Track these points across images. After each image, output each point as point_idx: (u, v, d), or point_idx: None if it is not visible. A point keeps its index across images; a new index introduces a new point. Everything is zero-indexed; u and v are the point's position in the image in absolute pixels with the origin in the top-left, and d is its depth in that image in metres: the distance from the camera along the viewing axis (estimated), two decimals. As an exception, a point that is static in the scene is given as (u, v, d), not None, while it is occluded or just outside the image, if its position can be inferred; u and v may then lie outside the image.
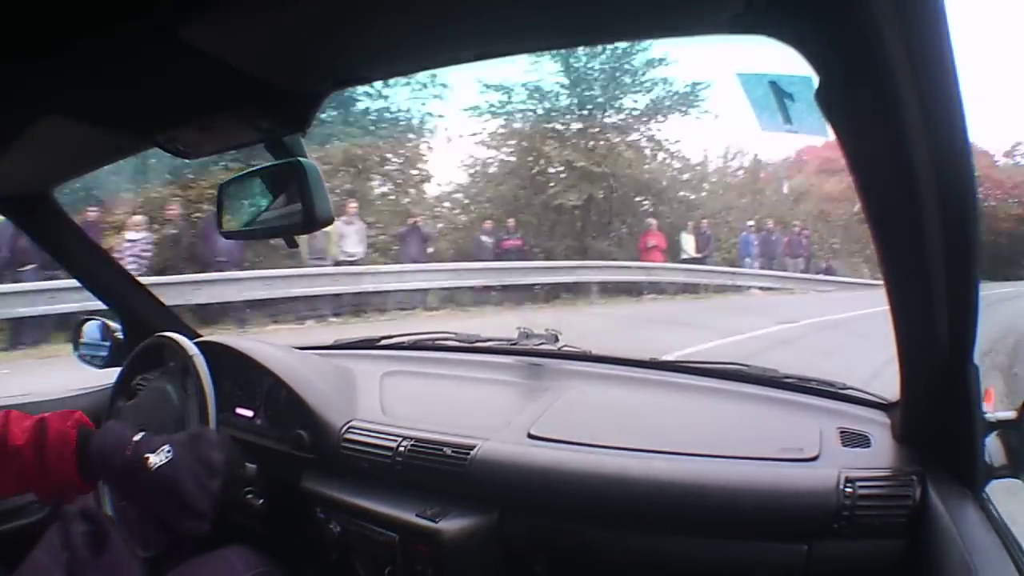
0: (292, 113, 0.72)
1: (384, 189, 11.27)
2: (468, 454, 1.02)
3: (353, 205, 8.35)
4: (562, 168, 12.28)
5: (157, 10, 0.54)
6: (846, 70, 0.48)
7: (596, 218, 12.65)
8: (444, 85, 10.86)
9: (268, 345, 1.41)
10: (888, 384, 0.96)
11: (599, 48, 11.57)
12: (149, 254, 6.75)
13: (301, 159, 0.74)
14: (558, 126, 12.39)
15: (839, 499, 0.84)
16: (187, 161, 0.77)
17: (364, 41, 0.62)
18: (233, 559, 1.11)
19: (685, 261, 11.01)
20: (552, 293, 9.55)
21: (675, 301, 10.11)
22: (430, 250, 9.24)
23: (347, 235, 7.97)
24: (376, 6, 0.55)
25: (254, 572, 1.10)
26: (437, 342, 1.60)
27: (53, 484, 0.87)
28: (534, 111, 12.52)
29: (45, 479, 0.86)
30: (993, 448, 0.83)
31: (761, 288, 11.25)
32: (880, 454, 0.94)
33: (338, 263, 7.86)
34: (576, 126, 12.38)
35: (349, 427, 1.16)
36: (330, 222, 0.74)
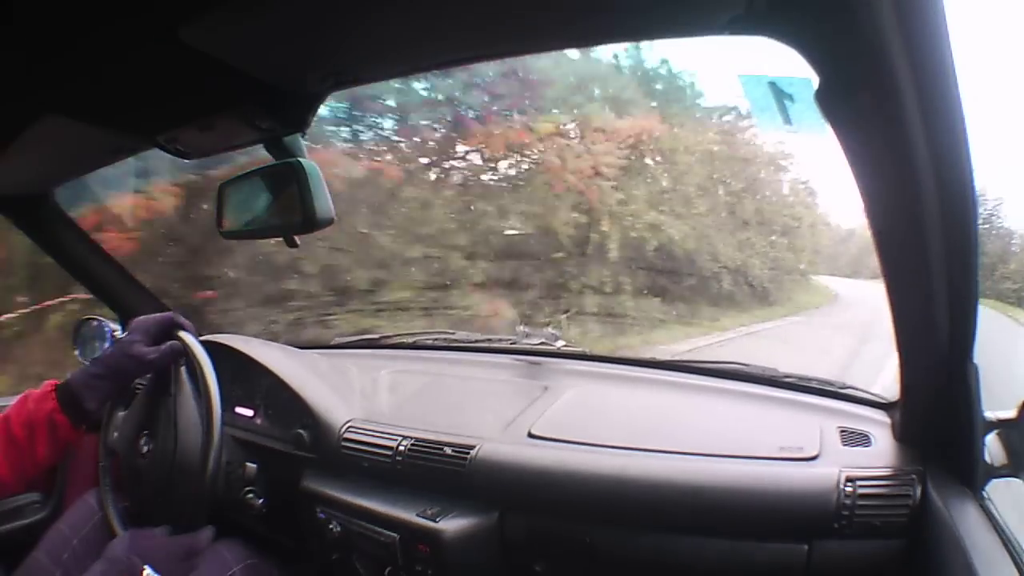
0: (292, 113, 0.72)
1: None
2: (468, 453, 1.02)
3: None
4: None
5: (157, 10, 0.54)
6: (846, 71, 0.48)
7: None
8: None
9: (268, 345, 1.41)
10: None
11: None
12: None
13: (301, 159, 0.74)
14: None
15: (839, 498, 0.84)
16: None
17: (364, 41, 0.62)
18: (223, 551, 1.11)
19: None
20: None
21: None
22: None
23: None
24: (376, 6, 0.55)
25: (244, 564, 1.11)
26: (437, 341, 1.60)
27: (35, 428, 0.91)
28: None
29: (30, 428, 0.90)
30: (993, 447, 0.83)
31: None
32: (880, 453, 0.94)
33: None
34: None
35: (349, 426, 1.16)
36: (330, 222, 0.74)
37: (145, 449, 1.12)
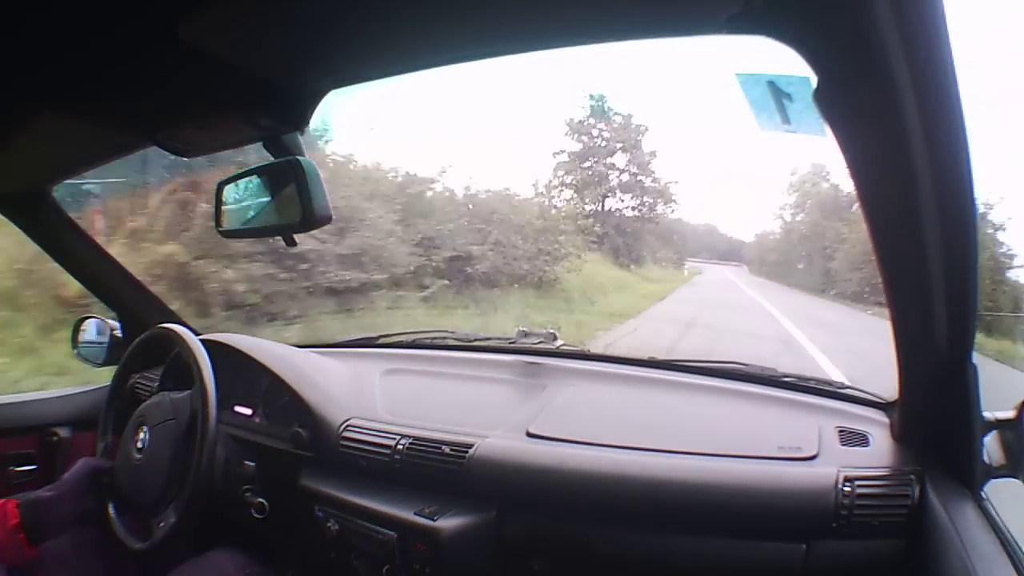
0: (291, 111, 0.72)
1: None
2: (467, 452, 1.02)
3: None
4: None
5: (157, 8, 0.54)
6: (844, 70, 0.48)
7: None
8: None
9: (268, 343, 1.41)
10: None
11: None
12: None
13: (300, 157, 0.74)
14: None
15: (838, 498, 0.84)
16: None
17: (364, 40, 0.62)
18: (223, 561, 1.11)
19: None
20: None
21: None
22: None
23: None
24: (375, 5, 0.55)
25: (244, 573, 1.11)
26: (436, 340, 1.60)
27: None
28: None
29: None
30: (992, 447, 0.83)
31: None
32: (879, 453, 0.94)
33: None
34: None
35: (348, 425, 1.16)
36: (328, 220, 0.74)
37: (141, 444, 1.12)
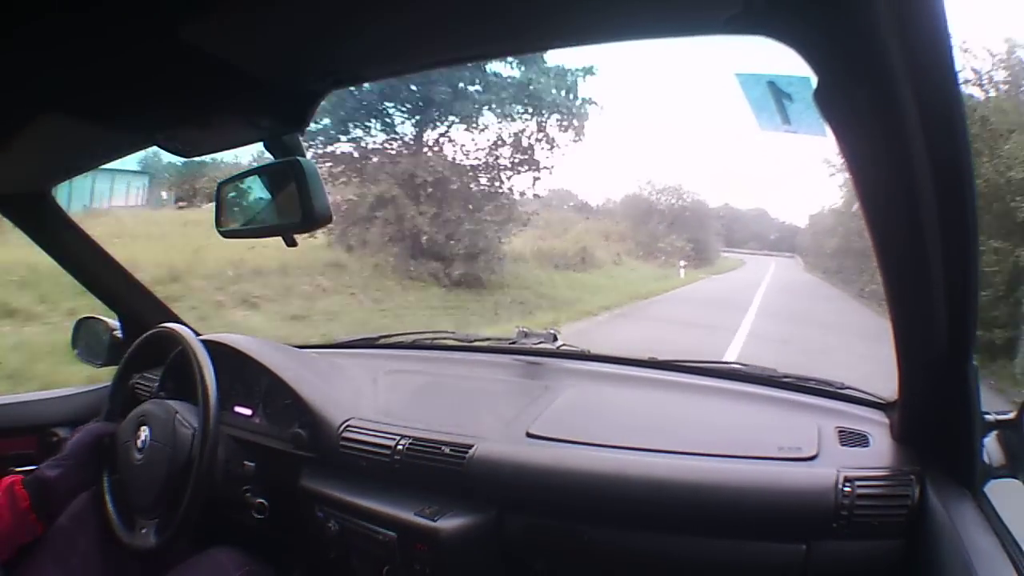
0: (291, 112, 0.72)
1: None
2: (466, 453, 1.02)
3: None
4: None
5: (157, 9, 0.54)
6: (844, 70, 0.48)
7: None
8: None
9: (267, 343, 1.41)
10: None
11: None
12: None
13: (300, 158, 0.74)
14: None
15: (838, 499, 0.84)
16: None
17: (364, 40, 0.62)
18: (222, 559, 1.11)
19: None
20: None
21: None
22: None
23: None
24: (376, 6, 0.55)
25: (242, 571, 1.11)
26: (436, 341, 1.60)
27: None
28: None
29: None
30: (992, 448, 0.83)
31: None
32: (879, 453, 0.94)
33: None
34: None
35: (347, 425, 1.16)
36: (328, 221, 0.74)
37: (141, 444, 1.12)
